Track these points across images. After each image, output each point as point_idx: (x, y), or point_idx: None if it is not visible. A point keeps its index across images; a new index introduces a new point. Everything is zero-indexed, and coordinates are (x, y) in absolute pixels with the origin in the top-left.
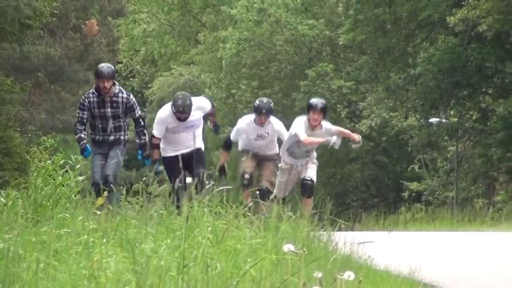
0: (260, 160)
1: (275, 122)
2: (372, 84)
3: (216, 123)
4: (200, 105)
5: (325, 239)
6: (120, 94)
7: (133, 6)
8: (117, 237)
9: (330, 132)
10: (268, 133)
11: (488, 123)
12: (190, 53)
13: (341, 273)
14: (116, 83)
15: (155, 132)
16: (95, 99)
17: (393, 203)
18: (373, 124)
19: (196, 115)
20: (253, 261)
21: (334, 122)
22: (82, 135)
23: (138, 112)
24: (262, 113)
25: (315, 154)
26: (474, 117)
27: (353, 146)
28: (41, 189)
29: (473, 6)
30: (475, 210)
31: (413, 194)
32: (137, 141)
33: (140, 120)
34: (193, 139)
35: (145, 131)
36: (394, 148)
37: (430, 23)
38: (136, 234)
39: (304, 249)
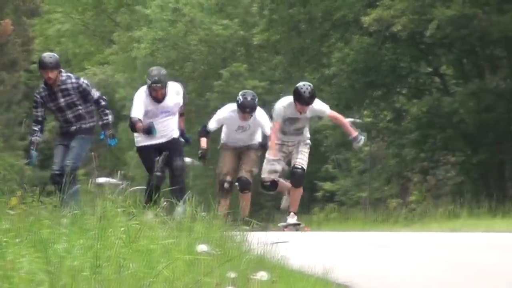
0: (241, 151)
1: (258, 114)
2: (286, 84)
3: (184, 132)
4: (176, 89)
5: (238, 239)
6: (68, 81)
7: (47, 6)
8: (31, 237)
9: (319, 113)
10: (249, 126)
11: (402, 124)
12: (104, 53)
13: (254, 274)
14: (62, 70)
15: (134, 113)
16: (46, 92)
17: (306, 203)
18: None
19: (172, 101)
20: (166, 261)
21: None
22: (33, 139)
23: (96, 93)
24: (245, 111)
25: (308, 134)
26: (388, 118)
27: (354, 145)
28: None
29: (388, 6)
30: (388, 210)
31: (326, 194)
32: (100, 122)
33: (100, 100)
34: (169, 128)
35: (107, 111)
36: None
37: (345, 23)
38: (50, 234)
39: (218, 250)
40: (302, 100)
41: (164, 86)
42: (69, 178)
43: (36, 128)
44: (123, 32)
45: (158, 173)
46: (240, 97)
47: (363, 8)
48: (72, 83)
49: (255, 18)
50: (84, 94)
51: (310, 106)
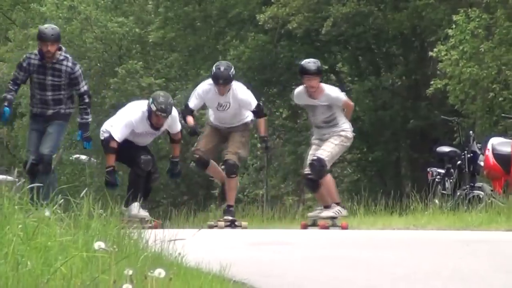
0: (226, 133)
1: (238, 89)
2: (182, 81)
3: (177, 163)
4: (175, 117)
5: (135, 236)
6: (64, 62)
7: None
8: None
9: (334, 101)
10: (229, 104)
11: (298, 121)
12: None
13: (151, 271)
14: (63, 48)
15: (116, 134)
16: (36, 62)
17: (203, 200)
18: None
19: (165, 127)
20: (63, 258)
21: None
22: (8, 96)
23: (84, 87)
24: (219, 83)
25: (342, 125)
26: (284, 115)
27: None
28: None
29: (283, 4)
30: (285, 208)
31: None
32: (78, 119)
33: (85, 96)
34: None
35: (89, 110)
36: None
37: (240, 21)
38: None
39: (115, 247)
40: (307, 71)
41: (168, 115)
42: (46, 167)
43: (12, 88)
44: (18, 29)
45: (147, 157)
46: (213, 68)
47: (258, 6)
48: (67, 66)
49: (150, 16)
50: (73, 83)
51: (325, 92)
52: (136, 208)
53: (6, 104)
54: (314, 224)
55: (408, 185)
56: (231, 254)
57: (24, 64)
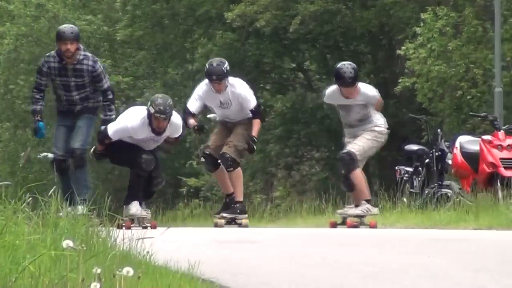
0: (233, 127)
1: (237, 85)
2: (150, 79)
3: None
4: (178, 122)
5: (104, 235)
6: (85, 61)
7: None
8: None
9: (370, 100)
10: (230, 102)
11: (266, 119)
12: None
13: (120, 269)
14: (82, 47)
15: (113, 134)
16: (56, 64)
17: (171, 199)
18: None
19: (167, 134)
20: (32, 257)
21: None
22: (38, 108)
23: (107, 83)
24: (213, 79)
25: (378, 120)
26: None
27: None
28: None
29: (251, 2)
30: (253, 206)
31: (191, 190)
32: (102, 116)
33: (109, 92)
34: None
35: (113, 106)
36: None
37: (208, 19)
38: None
39: (83, 245)
40: (345, 81)
41: (168, 118)
42: (79, 161)
43: (38, 96)
44: None
45: (149, 156)
46: (206, 65)
47: (226, 4)
48: (88, 65)
49: (118, 14)
50: (95, 80)
51: (361, 91)
52: (135, 207)
53: (38, 118)
54: (343, 222)
55: (376, 183)
56: (199, 253)
57: (44, 69)
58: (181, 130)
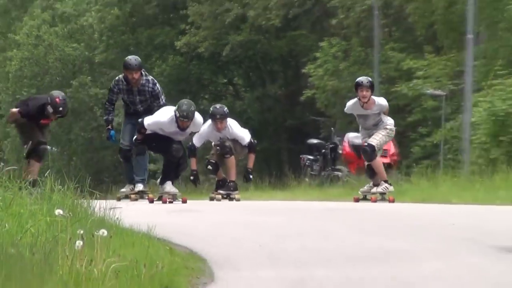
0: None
1: (233, 126)
2: None
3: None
4: (199, 122)
5: (85, 205)
6: (146, 85)
7: None
8: None
9: (383, 108)
10: (227, 138)
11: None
12: None
13: (97, 231)
14: (143, 72)
15: (148, 126)
16: (124, 87)
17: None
18: None
19: (190, 130)
20: (32, 222)
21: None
22: (110, 118)
23: (162, 100)
24: (216, 118)
25: (388, 121)
26: None
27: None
28: None
29: (194, 34)
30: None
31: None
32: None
33: (163, 106)
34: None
35: None
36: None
37: (163, 46)
38: None
39: (70, 213)
40: (361, 85)
41: (190, 120)
42: (142, 150)
43: (110, 108)
44: None
45: (178, 145)
46: (211, 109)
47: (176, 35)
48: (149, 87)
49: (96, 43)
50: (154, 98)
51: (377, 102)
52: (168, 186)
53: (109, 127)
54: (365, 198)
55: (286, 168)
56: (155, 219)
57: (115, 90)
58: (200, 128)
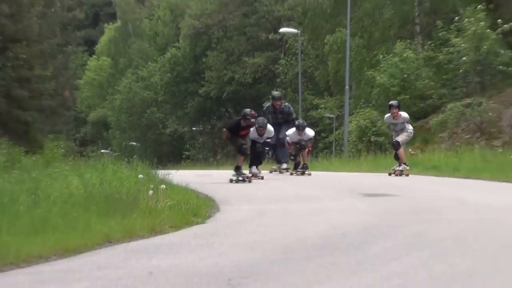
0: None
1: (307, 132)
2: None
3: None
4: (270, 130)
5: (154, 173)
6: (285, 109)
7: None
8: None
9: (406, 119)
10: (304, 139)
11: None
12: None
13: (160, 186)
14: (282, 101)
15: (250, 135)
16: (271, 110)
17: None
18: None
19: (265, 136)
20: (127, 180)
21: None
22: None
23: (292, 117)
24: (299, 129)
25: (408, 127)
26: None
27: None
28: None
29: (208, 86)
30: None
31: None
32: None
33: (294, 120)
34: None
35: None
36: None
37: (193, 92)
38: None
39: (147, 176)
40: (393, 106)
41: (265, 129)
42: (279, 144)
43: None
44: None
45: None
46: (296, 122)
47: (199, 86)
48: (286, 110)
49: (160, 90)
50: (287, 116)
51: (402, 116)
52: (254, 169)
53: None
54: (394, 173)
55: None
56: (189, 180)
57: (267, 112)
58: (271, 134)
